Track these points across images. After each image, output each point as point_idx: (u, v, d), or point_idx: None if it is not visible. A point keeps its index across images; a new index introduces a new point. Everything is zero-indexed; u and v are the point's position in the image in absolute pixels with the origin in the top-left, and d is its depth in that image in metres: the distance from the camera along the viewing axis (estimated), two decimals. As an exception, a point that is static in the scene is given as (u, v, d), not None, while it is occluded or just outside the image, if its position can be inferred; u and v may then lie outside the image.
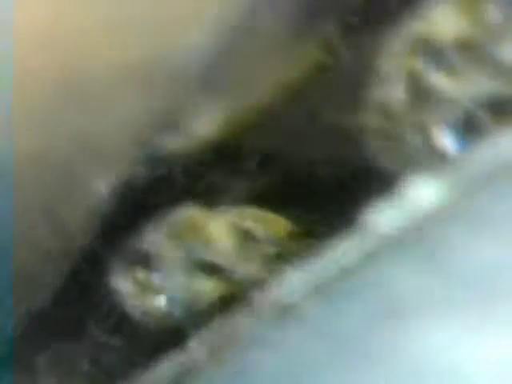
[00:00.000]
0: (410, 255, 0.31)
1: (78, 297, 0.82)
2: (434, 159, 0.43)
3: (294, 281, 0.41)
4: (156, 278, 0.60)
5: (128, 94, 0.30)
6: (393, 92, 0.50)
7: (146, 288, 0.60)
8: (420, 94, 0.50)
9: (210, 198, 0.63)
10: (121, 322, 0.65)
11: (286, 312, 0.40)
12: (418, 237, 0.32)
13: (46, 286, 0.51)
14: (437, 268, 0.28)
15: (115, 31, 0.29)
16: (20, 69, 0.28)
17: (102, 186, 0.35)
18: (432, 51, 0.52)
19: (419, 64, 0.51)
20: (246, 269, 0.57)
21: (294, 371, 0.32)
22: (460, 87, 0.50)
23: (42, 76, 0.28)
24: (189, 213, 0.62)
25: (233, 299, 0.51)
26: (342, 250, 0.37)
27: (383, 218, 0.35)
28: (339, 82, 0.71)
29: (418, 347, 0.24)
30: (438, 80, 0.51)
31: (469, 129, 0.48)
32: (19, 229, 0.37)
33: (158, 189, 0.84)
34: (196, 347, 0.52)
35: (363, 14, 0.71)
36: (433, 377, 0.24)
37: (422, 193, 0.33)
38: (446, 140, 0.46)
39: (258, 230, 0.59)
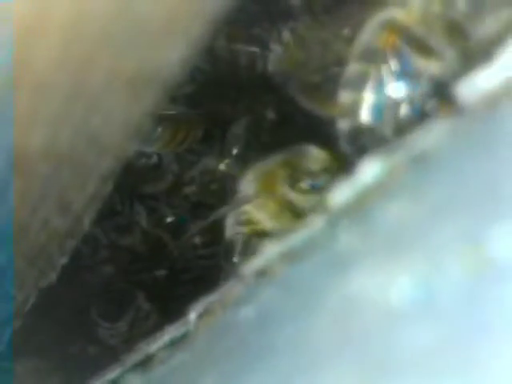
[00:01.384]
0: (355, 222, 0.38)
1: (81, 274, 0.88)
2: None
3: (270, 251, 0.48)
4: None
5: (121, 96, 0.37)
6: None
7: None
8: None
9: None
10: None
11: (261, 275, 0.48)
12: (361, 206, 0.39)
13: (54, 263, 0.57)
14: (370, 229, 0.35)
15: (111, 43, 0.35)
16: (33, 71, 0.34)
17: (103, 173, 0.42)
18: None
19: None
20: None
21: (268, 323, 0.39)
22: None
23: (54, 78, 0.34)
24: None
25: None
26: (308, 224, 0.45)
27: (338, 193, 0.42)
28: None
29: (355, 288, 0.31)
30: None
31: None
32: (33, 214, 0.43)
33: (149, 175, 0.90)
34: (190, 315, 0.59)
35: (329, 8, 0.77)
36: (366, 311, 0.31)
37: (368, 171, 0.41)
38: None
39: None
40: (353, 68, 0.57)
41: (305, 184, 0.70)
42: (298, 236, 0.45)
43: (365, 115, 0.56)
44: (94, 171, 0.42)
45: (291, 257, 0.44)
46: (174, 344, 0.61)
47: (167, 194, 0.99)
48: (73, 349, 1.01)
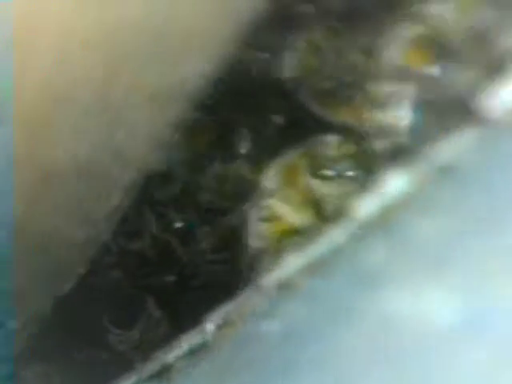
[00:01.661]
0: (383, 235, 0.38)
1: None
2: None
3: (292, 262, 0.48)
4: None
5: (144, 110, 0.36)
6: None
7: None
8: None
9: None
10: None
11: (284, 288, 0.47)
12: (387, 219, 0.39)
13: (73, 273, 0.57)
14: (400, 243, 0.35)
15: (134, 58, 0.35)
16: (56, 86, 0.33)
17: (126, 185, 0.41)
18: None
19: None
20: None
21: (292, 337, 0.38)
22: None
23: (79, 93, 0.34)
24: None
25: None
26: (331, 235, 0.44)
27: (363, 205, 0.42)
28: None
29: (391, 306, 0.31)
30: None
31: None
32: (57, 227, 0.43)
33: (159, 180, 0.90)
34: (208, 325, 0.58)
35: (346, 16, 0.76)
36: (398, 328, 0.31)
37: (393, 183, 0.40)
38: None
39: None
40: (386, 87, 0.57)
41: (326, 171, 0.69)
42: (322, 247, 0.44)
43: (403, 135, 0.56)
44: (117, 183, 0.42)
45: (315, 269, 0.43)
46: (192, 354, 0.61)
47: (177, 199, 0.98)
48: (82, 354, 1.00)
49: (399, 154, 0.56)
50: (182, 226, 1.00)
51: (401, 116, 0.61)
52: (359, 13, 0.75)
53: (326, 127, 0.75)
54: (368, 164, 0.67)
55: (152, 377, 0.61)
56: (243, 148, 0.87)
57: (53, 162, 0.34)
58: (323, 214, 0.66)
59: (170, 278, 1.01)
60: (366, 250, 0.37)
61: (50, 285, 0.53)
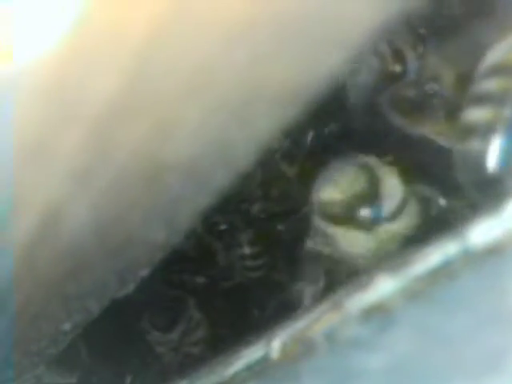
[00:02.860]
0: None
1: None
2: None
3: (383, 283, 0.43)
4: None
5: (261, 110, 0.33)
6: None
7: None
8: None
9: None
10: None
11: (373, 313, 0.43)
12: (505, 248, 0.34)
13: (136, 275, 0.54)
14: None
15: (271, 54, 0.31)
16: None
17: (218, 187, 0.38)
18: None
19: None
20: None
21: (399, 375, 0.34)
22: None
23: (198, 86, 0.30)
24: None
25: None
26: (436, 257, 0.40)
27: (481, 229, 0.38)
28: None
29: None
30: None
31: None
32: (136, 228, 0.39)
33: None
34: (274, 345, 0.54)
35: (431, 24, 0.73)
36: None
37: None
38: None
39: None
40: (484, 84, 0.52)
41: (363, 213, 0.62)
42: (423, 268, 0.40)
43: (492, 161, 0.51)
44: (209, 184, 0.38)
45: (417, 294, 0.39)
46: (252, 370, 0.57)
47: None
48: (119, 355, 0.99)
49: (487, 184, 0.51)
50: (225, 228, 0.98)
51: (488, 140, 0.56)
52: (450, 20, 0.72)
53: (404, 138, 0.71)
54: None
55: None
56: (305, 150, 0.83)
57: (161, 162, 0.31)
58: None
59: (209, 280, 0.99)
60: (486, 277, 0.33)
61: (113, 285, 0.50)
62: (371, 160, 0.64)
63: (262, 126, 0.34)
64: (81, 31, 0.27)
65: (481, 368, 0.31)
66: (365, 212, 0.60)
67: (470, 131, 0.56)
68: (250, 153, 0.35)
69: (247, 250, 0.95)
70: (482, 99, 0.55)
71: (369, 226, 0.61)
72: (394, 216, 0.61)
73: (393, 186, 0.63)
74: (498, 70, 0.52)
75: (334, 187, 0.63)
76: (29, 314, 0.50)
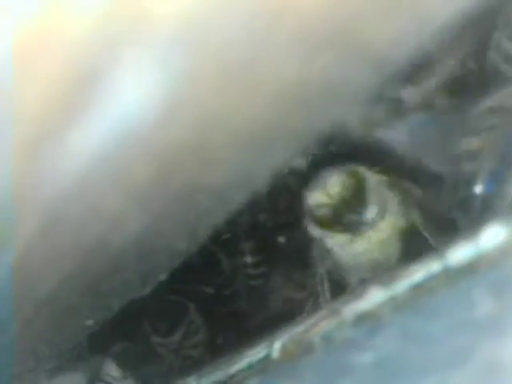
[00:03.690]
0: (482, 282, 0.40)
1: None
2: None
3: (375, 294, 0.50)
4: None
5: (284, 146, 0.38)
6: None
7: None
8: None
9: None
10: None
11: (365, 318, 0.49)
12: (488, 266, 0.41)
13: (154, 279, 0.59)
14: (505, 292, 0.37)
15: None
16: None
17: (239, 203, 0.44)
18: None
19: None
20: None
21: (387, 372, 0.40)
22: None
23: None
24: None
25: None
26: (420, 274, 0.46)
27: (459, 250, 0.44)
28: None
29: (502, 354, 0.33)
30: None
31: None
32: (159, 236, 0.45)
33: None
34: (276, 346, 0.60)
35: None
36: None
37: (492, 231, 0.42)
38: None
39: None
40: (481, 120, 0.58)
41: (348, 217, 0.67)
42: (409, 283, 0.46)
43: (480, 184, 0.57)
44: (230, 203, 0.44)
45: (402, 304, 0.45)
46: (253, 369, 0.62)
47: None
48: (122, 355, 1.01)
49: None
50: (229, 237, 1.02)
51: (478, 164, 0.62)
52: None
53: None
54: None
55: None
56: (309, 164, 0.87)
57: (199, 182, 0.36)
58: None
59: (210, 287, 1.03)
60: (469, 294, 0.39)
61: (136, 287, 0.56)
62: (360, 168, 0.69)
63: (279, 156, 0.40)
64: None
65: (451, 364, 0.38)
66: (351, 216, 0.66)
67: (462, 156, 0.62)
68: (266, 177, 0.41)
69: (249, 259, 0.98)
70: (477, 131, 0.62)
71: (354, 229, 0.66)
72: (377, 221, 0.67)
73: (379, 193, 0.68)
74: (495, 111, 0.59)
75: (323, 192, 0.68)
76: (57, 306, 0.54)
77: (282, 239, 0.97)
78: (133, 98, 0.30)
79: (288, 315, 0.74)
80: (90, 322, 0.62)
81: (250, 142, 0.36)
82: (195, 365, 0.95)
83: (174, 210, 0.40)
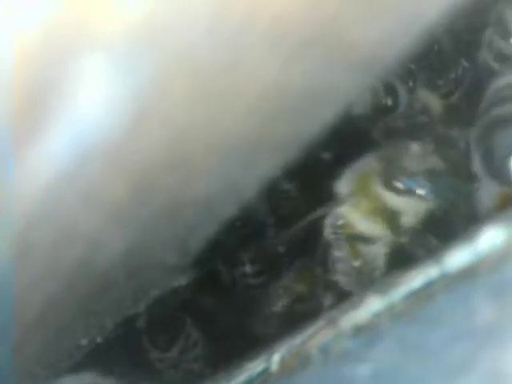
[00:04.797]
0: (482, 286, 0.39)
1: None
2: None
3: (372, 303, 0.48)
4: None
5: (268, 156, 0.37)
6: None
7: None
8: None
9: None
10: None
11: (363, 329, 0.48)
12: (487, 271, 0.40)
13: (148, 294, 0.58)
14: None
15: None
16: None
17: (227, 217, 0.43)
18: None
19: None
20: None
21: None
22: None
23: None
24: None
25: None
26: (419, 280, 0.45)
27: (457, 255, 0.43)
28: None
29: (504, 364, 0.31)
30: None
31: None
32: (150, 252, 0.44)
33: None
34: (274, 358, 0.59)
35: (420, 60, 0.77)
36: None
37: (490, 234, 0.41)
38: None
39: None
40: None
41: (400, 183, 0.66)
42: (406, 290, 0.45)
43: None
44: (220, 215, 0.43)
45: (400, 313, 0.44)
46: (253, 382, 0.61)
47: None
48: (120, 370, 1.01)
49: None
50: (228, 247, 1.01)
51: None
52: (435, 54, 0.76)
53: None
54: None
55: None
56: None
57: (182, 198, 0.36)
58: (396, 227, 0.64)
59: (209, 298, 1.02)
60: (469, 301, 0.38)
61: (128, 304, 0.55)
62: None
63: (265, 165, 0.39)
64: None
65: (452, 375, 0.36)
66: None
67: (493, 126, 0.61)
68: (254, 186, 0.40)
69: (249, 269, 0.97)
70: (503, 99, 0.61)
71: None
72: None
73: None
74: None
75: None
76: (48, 327, 0.53)
77: (281, 248, 0.96)
78: (93, 111, 0.28)
79: (288, 325, 0.73)
80: (84, 342, 0.61)
81: (232, 152, 0.35)
82: (195, 379, 0.94)
83: (160, 224, 0.39)
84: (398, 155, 0.67)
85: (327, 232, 0.71)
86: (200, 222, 0.42)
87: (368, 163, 0.69)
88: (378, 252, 0.66)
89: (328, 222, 0.71)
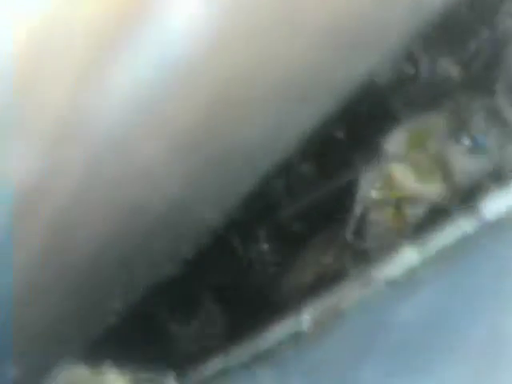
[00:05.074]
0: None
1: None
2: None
3: (408, 257, 0.49)
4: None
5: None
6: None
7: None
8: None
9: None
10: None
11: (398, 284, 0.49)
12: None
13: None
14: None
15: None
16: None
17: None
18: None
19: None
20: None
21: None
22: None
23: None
24: None
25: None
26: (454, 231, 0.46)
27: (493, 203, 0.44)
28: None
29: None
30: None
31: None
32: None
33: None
34: (306, 317, 0.59)
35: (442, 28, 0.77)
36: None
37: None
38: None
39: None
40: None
41: (468, 140, 0.62)
42: (443, 238, 0.46)
43: None
44: (259, 168, 0.44)
45: (437, 262, 0.45)
46: (285, 343, 0.62)
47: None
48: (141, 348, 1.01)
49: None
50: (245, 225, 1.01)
51: None
52: (455, 24, 0.76)
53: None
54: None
55: (243, 364, 0.63)
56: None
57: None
58: (453, 186, 0.61)
59: (228, 276, 1.03)
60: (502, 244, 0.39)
61: (160, 264, 0.55)
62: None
63: (309, 113, 0.39)
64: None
65: (502, 309, 0.37)
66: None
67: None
68: (291, 143, 0.40)
69: (265, 246, 0.97)
70: None
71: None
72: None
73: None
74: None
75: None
76: (91, 281, 0.54)
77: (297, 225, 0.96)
78: (179, 33, 0.29)
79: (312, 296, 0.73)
80: (117, 305, 0.62)
81: (287, 92, 0.35)
82: (215, 353, 0.94)
83: (208, 173, 0.39)
84: (463, 112, 0.63)
85: (363, 195, 0.67)
86: (240, 176, 0.42)
87: (429, 119, 0.65)
88: (420, 213, 0.63)
89: (366, 183, 0.67)
